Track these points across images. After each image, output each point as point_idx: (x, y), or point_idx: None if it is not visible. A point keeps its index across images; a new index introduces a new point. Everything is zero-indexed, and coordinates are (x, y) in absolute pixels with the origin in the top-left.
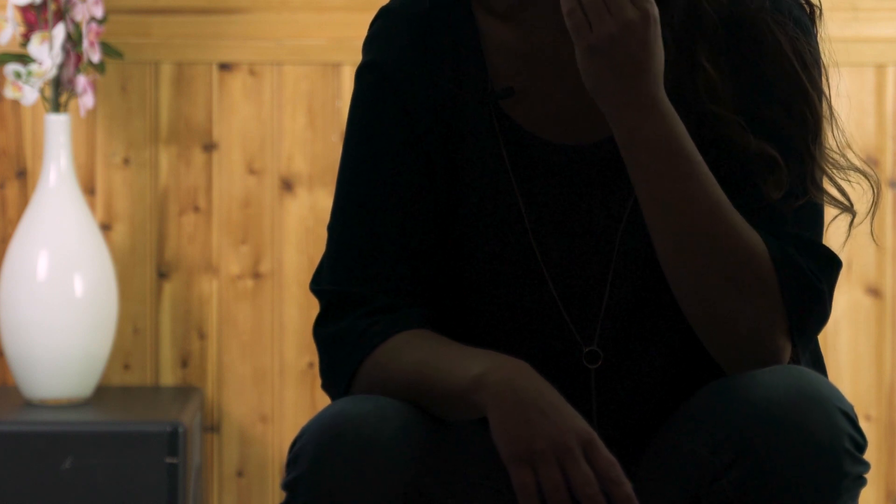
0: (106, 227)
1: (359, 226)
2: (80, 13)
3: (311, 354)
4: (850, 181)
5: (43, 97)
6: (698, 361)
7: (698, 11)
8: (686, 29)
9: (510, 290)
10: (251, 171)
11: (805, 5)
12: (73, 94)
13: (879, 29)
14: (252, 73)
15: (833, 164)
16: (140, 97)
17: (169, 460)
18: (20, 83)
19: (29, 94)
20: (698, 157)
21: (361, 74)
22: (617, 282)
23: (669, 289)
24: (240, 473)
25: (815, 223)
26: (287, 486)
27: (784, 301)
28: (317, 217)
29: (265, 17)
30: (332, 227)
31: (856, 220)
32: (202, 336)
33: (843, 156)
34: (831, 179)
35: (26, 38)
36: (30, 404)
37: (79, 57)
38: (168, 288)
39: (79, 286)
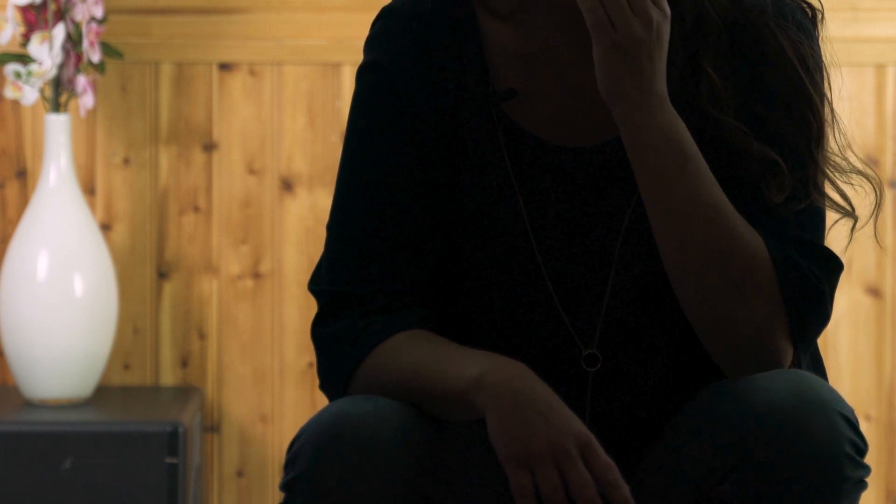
0: (106, 227)
1: (358, 226)
2: (80, 13)
3: (311, 354)
4: (852, 184)
5: (43, 97)
6: (697, 365)
7: (702, 15)
8: (690, 32)
9: (510, 292)
10: (251, 171)
11: (807, 9)
12: (73, 94)
13: (879, 29)
14: (252, 73)
15: (835, 167)
16: (140, 97)
17: (169, 460)
18: (20, 83)
19: (29, 94)
20: (701, 158)
21: (362, 74)
22: (617, 284)
23: (669, 292)
24: (240, 473)
25: (817, 226)
26: (285, 486)
27: (785, 303)
28: (317, 217)
29: (265, 17)
30: (332, 227)
31: (858, 224)
32: (202, 336)
33: (846, 159)
34: (833, 183)
35: (26, 38)
36: (30, 404)
37: (79, 57)
38: (168, 288)
39: (79, 286)
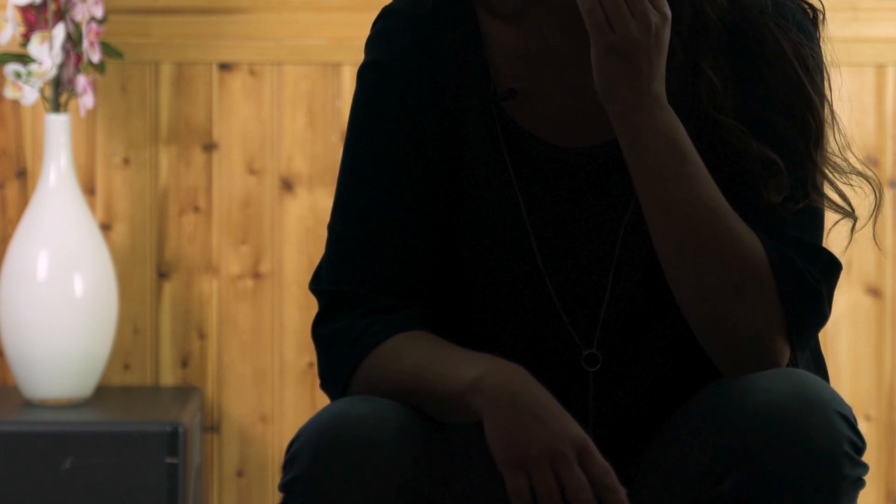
0: (106, 227)
1: (359, 226)
2: (80, 13)
3: (311, 354)
4: (851, 185)
5: (43, 97)
6: (697, 365)
7: (701, 16)
8: (689, 33)
9: (510, 292)
10: (251, 171)
11: (808, 10)
12: (73, 94)
13: (879, 29)
14: (252, 73)
15: (834, 168)
16: (140, 97)
17: (169, 460)
18: (20, 83)
19: (29, 94)
20: (698, 159)
21: (363, 74)
22: (617, 285)
23: (669, 293)
24: (240, 473)
25: (816, 226)
26: (284, 486)
27: (782, 303)
28: (317, 217)
29: (265, 17)
30: (332, 227)
31: (857, 224)
32: (202, 336)
33: (845, 159)
34: (832, 184)
35: (26, 38)
36: (30, 404)
37: (79, 57)
38: (168, 288)
39: (79, 286)
